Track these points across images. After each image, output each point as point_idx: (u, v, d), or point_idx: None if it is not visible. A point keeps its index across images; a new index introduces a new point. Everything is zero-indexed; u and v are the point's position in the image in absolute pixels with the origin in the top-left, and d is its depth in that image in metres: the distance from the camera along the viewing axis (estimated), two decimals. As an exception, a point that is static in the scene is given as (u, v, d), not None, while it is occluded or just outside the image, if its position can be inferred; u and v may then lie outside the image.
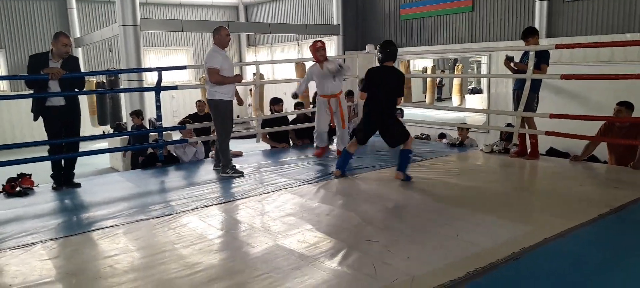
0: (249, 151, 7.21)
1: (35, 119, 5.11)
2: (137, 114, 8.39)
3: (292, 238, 3.41)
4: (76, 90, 5.26)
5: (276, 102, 7.71)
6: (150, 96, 7.25)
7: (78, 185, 5.28)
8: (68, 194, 5.01)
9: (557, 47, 5.81)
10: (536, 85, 5.65)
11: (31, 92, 5.14)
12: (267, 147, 7.51)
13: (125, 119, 10.73)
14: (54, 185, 5.22)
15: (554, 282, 2.69)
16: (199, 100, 9.70)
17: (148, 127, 8.98)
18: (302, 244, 3.28)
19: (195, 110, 9.39)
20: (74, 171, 5.38)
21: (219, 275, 2.86)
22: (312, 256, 3.07)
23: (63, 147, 5.29)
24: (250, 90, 15.01)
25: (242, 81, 10.04)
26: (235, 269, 2.94)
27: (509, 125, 7.22)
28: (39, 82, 5.00)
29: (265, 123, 7.43)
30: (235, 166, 5.56)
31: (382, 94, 4.97)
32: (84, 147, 5.78)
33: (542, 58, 5.57)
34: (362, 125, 5.18)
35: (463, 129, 7.31)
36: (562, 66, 8.34)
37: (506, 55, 6.01)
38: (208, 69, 5.32)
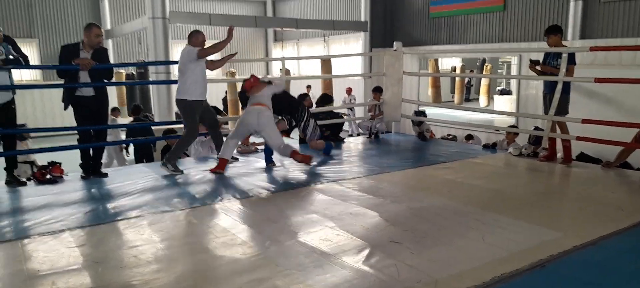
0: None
1: (66, 108, 5.22)
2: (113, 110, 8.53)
3: (314, 235, 3.39)
4: (105, 80, 5.34)
5: (303, 98, 7.70)
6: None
7: (105, 174, 5.37)
8: (95, 184, 5.10)
9: (592, 49, 5.65)
10: (566, 87, 5.50)
11: (62, 81, 5.25)
12: (289, 141, 7.48)
13: (154, 110, 10.89)
14: (83, 174, 5.33)
15: (583, 292, 2.61)
16: None
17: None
18: (325, 242, 3.26)
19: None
20: (102, 161, 5.47)
21: (241, 269, 2.86)
22: (334, 254, 3.04)
23: (92, 136, 5.39)
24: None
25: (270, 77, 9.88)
26: (257, 264, 2.94)
27: (536, 128, 7.06)
28: (70, 72, 5.10)
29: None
30: (177, 165, 5.44)
31: None
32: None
33: (569, 59, 5.42)
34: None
35: (511, 133, 7.30)
36: (596, 69, 8.12)
37: (530, 60, 5.88)
38: (199, 51, 5.22)
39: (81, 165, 5.37)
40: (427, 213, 3.87)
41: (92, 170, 5.38)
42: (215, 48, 5.29)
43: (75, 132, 5.40)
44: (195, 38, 5.35)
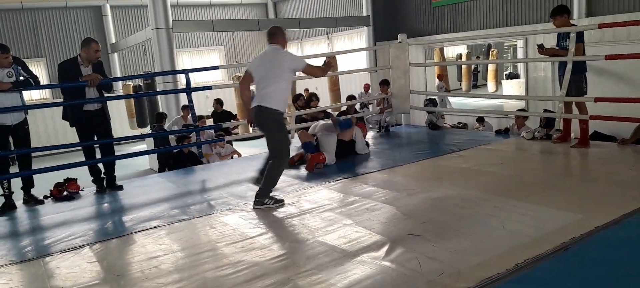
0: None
1: (72, 125, 5.25)
2: None
3: (333, 234, 3.39)
4: (104, 92, 5.37)
5: (297, 99, 7.81)
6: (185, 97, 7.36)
7: (120, 187, 5.40)
8: (111, 197, 5.14)
9: (600, 26, 5.57)
10: (581, 66, 5.42)
11: (64, 98, 5.28)
12: (299, 142, 7.52)
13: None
14: (98, 189, 5.36)
15: (608, 273, 2.58)
16: (216, 99, 10.04)
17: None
18: (343, 240, 3.25)
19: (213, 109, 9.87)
20: (115, 174, 5.49)
21: (262, 272, 2.86)
22: (354, 251, 3.04)
23: (95, 150, 5.43)
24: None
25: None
26: (278, 267, 2.93)
27: (546, 111, 6.99)
28: (75, 89, 5.12)
29: (299, 119, 7.47)
30: (275, 196, 4.32)
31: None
32: (123, 149, 5.90)
33: (577, 37, 5.33)
34: None
35: (520, 116, 7.26)
36: (605, 46, 8.01)
37: (537, 44, 5.79)
38: (307, 66, 4.35)
39: (93, 181, 5.41)
40: (445, 203, 3.85)
41: (107, 183, 5.41)
42: (316, 70, 4.50)
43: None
44: (282, 38, 4.46)
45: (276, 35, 4.43)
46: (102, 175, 5.42)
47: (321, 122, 6.10)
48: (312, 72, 4.47)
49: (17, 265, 3.36)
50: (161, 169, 7.70)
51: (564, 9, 5.50)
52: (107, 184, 5.42)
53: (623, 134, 5.80)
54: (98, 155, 5.49)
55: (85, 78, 5.02)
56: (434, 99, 9.67)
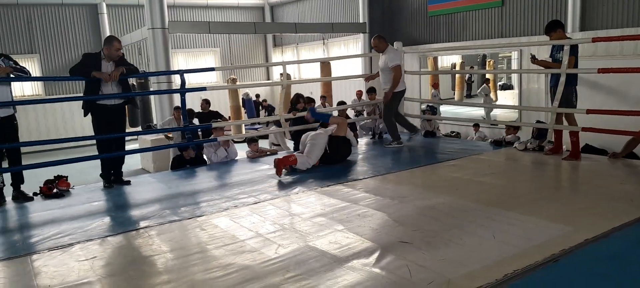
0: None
1: (85, 114, 5.34)
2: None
3: (324, 239, 3.38)
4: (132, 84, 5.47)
5: (298, 102, 7.74)
6: (179, 98, 7.34)
7: (128, 182, 5.51)
8: (102, 196, 5.11)
9: (594, 40, 5.60)
10: (572, 78, 5.46)
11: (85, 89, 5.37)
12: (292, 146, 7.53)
13: (155, 120, 10.91)
14: (106, 184, 5.35)
15: (597, 285, 2.59)
16: (205, 99, 10.01)
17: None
18: (334, 245, 3.24)
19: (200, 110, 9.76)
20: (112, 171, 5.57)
21: (252, 276, 2.85)
22: (345, 257, 3.03)
23: (112, 144, 5.48)
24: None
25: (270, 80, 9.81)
26: (267, 271, 2.92)
27: (538, 122, 7.04)
28: (91, 83, 5.21)
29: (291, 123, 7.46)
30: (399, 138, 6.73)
31: None
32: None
33: (570, 50, 5.37)
34: None
35: (510, 127, 7.38)
36: (598, 60, 8.10)
37: (530, 54, 5.84)
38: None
39: (102, 175, 5.41)
40: (436, 212, 3.85)
41: (114, 178, 5.49)
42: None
43: (83, 143, 5.44)
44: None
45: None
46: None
47: (313, 133, 6.09)
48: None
49: (3, 262, 3.33)
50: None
51: (558, 24, 5.55)
52: (114, 179, 5.49)
53: (614, 147, 5.84)
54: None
55: (98, 75, 5.09)
56: (434, 107, 9.73)
